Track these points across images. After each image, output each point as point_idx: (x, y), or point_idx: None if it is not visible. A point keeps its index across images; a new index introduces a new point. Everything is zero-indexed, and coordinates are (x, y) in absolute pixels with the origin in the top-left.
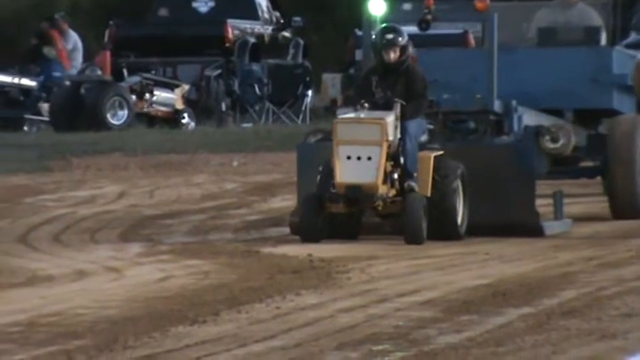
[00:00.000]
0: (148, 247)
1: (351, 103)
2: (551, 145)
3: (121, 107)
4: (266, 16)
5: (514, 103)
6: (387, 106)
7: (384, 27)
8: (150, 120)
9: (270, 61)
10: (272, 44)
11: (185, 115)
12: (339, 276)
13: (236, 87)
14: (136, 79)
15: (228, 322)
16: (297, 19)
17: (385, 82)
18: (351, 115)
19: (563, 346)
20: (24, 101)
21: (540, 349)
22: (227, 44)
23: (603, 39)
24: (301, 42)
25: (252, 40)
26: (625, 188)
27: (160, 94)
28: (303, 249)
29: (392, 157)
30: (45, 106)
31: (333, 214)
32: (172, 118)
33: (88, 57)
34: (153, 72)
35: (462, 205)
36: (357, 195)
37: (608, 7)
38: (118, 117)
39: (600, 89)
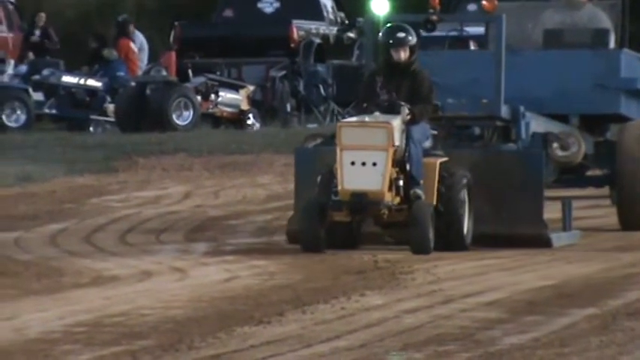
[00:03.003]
0: (213, 247)
1: (357, 106)
2: (560, 153)
3: (186, 108)
4: (331, 16)
5: (522, 108)
6: (392, 108)
7: (393, 26)
8: (215, 121)
9: (335, 61)
10: (337, 45)
11: (250, 115)
12: (403, 277)
13: (301, 88)
14: (201, 79)
15: (293, 322)
16: (362, 19)
17: (390, 84)
18: (356, 118)
19: (629, 347)
20: (90, 102)
21: (606, 349)
22: (292, 45)
23: (612, 41)
24: None
25: (317, 40)
26: (635, 198)
27: (225, 95)
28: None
29: (397, 163)
30: (110, 107)
31: (335, 222)
32: (237, 119)
33: (154, 57)
34: (218, 73)
35: (468, 215)
36: (362, 202)
37: (617, 9)
38: (183, 117)
39: (607, 94)
